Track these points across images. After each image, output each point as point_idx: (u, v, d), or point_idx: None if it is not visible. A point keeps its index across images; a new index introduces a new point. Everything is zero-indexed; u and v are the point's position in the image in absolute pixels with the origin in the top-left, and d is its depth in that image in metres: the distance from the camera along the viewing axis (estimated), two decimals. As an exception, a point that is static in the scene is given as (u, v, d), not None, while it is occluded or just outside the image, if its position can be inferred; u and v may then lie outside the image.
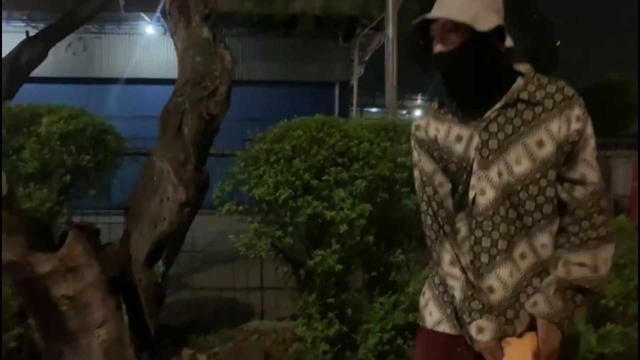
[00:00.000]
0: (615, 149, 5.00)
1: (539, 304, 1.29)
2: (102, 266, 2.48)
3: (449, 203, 1.38)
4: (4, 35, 9.47)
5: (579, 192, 1.26)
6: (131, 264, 2.85)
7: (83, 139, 3.27)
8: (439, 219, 1.37)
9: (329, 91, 12.60)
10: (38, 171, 3.04)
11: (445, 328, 1.38)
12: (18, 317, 2.83)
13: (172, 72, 3.09)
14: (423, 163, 1.40)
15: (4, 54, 4.29)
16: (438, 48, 1.28)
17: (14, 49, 4.19)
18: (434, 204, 1.37)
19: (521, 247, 1.30)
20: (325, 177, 2.74)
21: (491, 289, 1.31)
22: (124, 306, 2.62)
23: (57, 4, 6.52)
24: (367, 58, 13.45)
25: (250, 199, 2.91)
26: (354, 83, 13.54)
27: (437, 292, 1.41)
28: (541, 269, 1.31)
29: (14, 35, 8.80)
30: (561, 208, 1.30)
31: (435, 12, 1.27)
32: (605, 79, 10.99)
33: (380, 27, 10.52)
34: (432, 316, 1.40)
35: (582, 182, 1.26)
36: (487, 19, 1.24)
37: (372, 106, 19.70)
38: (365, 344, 2.96)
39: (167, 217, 2.81)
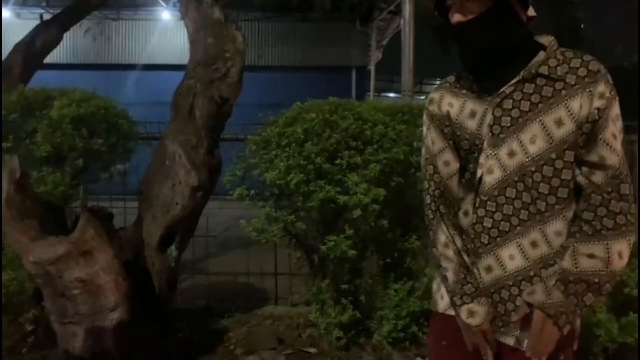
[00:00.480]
0: (641, 134, 4.84)
1: (536, 292, 1.18)
2: (115, 250, 2.47)
3: (453, 183, 1.31)
4: (21, 22, 9.52)
5: (597, 176, 1.15)
6: (144, 248, 2.85)
7: (95, 123, 3.26)
8: (436, 199, 1.31)
9: (345, 76, 12.45)
10: (51, 155, 3.03)
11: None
12: (33, 299, 2.86)
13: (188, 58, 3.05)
14: (430, 139, 1.33)
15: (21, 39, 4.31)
16: (457, 17, 1.19)
17: (29, 34, 4.20)
18: (432, 183, 1.32)
19: (533, 235, 1.20)
20: (338, 161, 2.68)
21: (489, 269, 1.25)
22: (137, 290, 2.62)
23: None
24: (384, 43, 13.24)
25: (261, 184, 2.87)
26: (371, 68, 13.36)
27: None
28: (553, 261, 1.20)
29: (32, 22, 8.91)
30: (578, 194, 1.19)
31: None
32: (630, 62, 10.66)
33: (398, 11, 10.32)
34: (444, 300, 1.35)
35: (600, 165, 1.15)
36: None
37: (390, 91, 19.48)
38: (380, 331, 2.92)
39: (180, 202, 2.79)
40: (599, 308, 2.42)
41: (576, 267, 1.15)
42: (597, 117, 1.14)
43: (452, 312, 1.32)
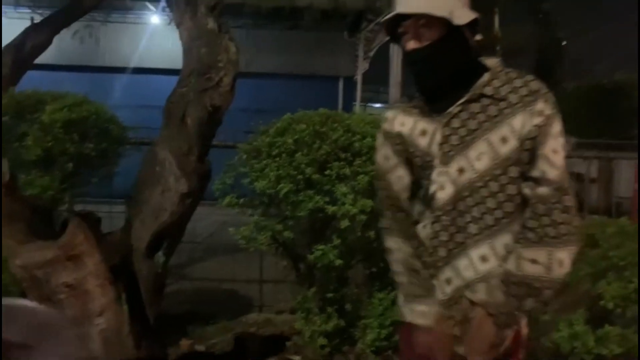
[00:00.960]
0: (620, 151, 4.98)
1: (479, 291, 1.25)
2: (103, 255, 2.48)
3: (405, 196, 1.39)
4: (10, 22, 9.44)
5: (541, 189, 1.21)
6: (132, 254, 2.86)
7: (86, 127, 3.27)
8: (389, 211, 1.40)
9: (333, 85, 12.55)
10: (40, 158, 3.04)
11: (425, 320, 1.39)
12: (18, 303, 2.85)
13: (176, 62, 3.09)
14: (383, 155, 1.41)
15: (9, 41, 4.28)
16: (411, 45, 1.26)
17: (19, 35, 4.18)
18: (385, 196, 1.40)
19: (483, 249, 1.27)
20: (327, 172, 2.74)
21: (449, 281, 1.31)
22: (124, 295, 2.63)
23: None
24: (372, 53, 13.40)
25: (251, 192, 2.91)
26: (358, 78, 13.49)
27: None
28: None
29: (20, 22, 8.80)
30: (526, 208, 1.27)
31: (410, 7, 1.23)
32: (611, 80, 10.92)
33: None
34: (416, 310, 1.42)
35: (542, 180, 1.21)
36: (461, 12, 1.23)
37: (376, 102, 19.66)
38: (363, 339, 2.97)
39: (169, 208, 2.81)
40: (575, 320, 2.50)
41: (519, 271, 1.21)
42: (536, 134, 1.22)
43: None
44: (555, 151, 1.22)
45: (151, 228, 2.83)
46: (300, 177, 2.66)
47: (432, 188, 1.30)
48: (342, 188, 2.71)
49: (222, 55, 2.88)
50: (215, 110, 2.90)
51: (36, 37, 4.19)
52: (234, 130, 3.50)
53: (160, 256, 2.96)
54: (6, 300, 1.01)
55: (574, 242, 1.21)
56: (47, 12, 8.90)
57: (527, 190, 1.24)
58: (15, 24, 8.75)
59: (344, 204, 2.68)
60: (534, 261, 1.20)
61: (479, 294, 1.25)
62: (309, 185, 2.70)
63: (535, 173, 1.22)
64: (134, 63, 11.35)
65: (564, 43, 16.52)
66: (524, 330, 1.33)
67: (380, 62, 10.74)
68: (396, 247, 1.37)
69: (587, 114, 10.32)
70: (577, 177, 8.30)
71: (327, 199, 2.72)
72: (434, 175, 1.29)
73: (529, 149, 1.22)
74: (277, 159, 2.75)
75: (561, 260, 1.20)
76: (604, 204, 6.48)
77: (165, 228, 2.83)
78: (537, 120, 1.21)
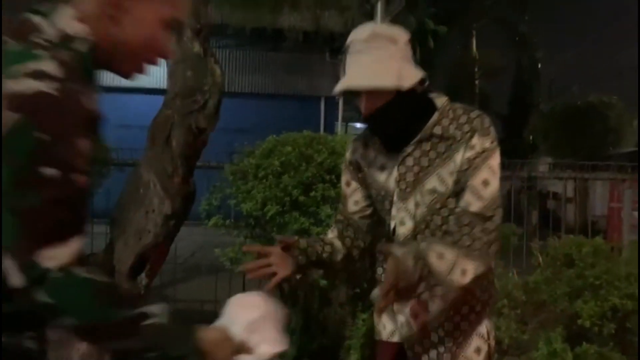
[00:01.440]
0: (594, 171, 5.15)
1: (395, 250, 1.24)
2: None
3: (361, 220, 1.49)
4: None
5: (463, 218, 1.27)
6: (114, 275, 2.84)
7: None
8: (344, 229, 1.50)
9: (315, 105, 12.69)
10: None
11: (398, 338, 1.45)
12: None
13: (157, 82, 3.12)
14: (344, 180, 1.51)
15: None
16: (367, 111, 1.32)
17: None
18: (342, 217, 1.50)
19: None
20: (312, 193, 2.78)
21: (415, 316, 1.39)
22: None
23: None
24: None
25: (236, 213, 2.93)
26: (340, 98, 13.67)
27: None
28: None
29: None
30: None
31: (360, 82, 1.28)
32: (585, 101, 11.24)
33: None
34: (386, 329, 1.48)
35: (466, 210, 1.27)
36: (409, 72, 1.30)
37: (358, 121, 19.87)
38: (347, 360, 2.98)
39: (152, 230, 2.81)
40: (554, 339, 2.57)
41: (426, 256, 1.22)
42: (466, 167, 1.29)
43: (394, 339, 1.45)
44: (485, 183, 1.28)
45: (134, 249, 2.82)
46: (286, 198, 2.70)
47: (393, 223, 1.39)
48: (326, 209, 2.75)
49: (208, 78, 2.92)
50: (201, 133, 2.93)
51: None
52: (217, 150, 3.53)
53: (142, 278, 2.95)
54: None
55: (484, 261, 1.26)
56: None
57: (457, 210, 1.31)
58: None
59: (328, 225, 2.72)
60: (440, 256, 1.22)
61: (395, 250, 1.23)
62: (294, 207, 2.74)
63: (461, 203, 1.29)
64: (113, 82, 11.29)
65: (539, 65, 16.99)
66: (492, 342, 1.40)
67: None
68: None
69: (563, 134, 10.61)
70: (554, 197, 8.49)
71: (312, 220, 2.76)
72: (394, 211, 1.38)
73: (459, 181, 1.30)
74: (264, 180, 2.78)
75: (465, 269, 1.23)
76: (580, 222, 6.65)
77: (148, 250, 2.82)
78: (469, 153, 1.29)
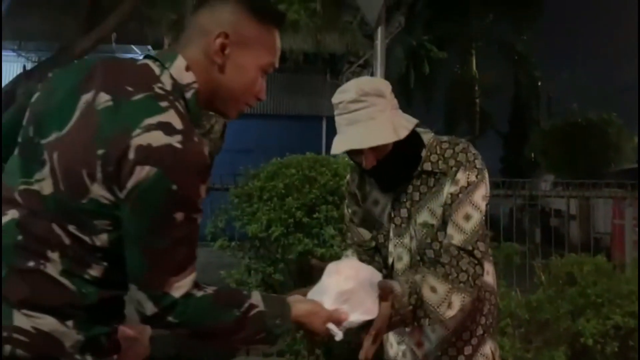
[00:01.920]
0: (595, 189, 5.18)
1: (395, 287, 1.27)
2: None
3: (366, 243, 1.50)
4: (-4, 65, 9.47)
5: (448, 251, 1.30)
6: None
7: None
8: (351, 249, 1.52)
9: (316, 125, 12.79)
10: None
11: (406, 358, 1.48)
12: None
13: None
14: (351, 211, 1.52)
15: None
16: (370, 164, 1.35)
17: (10, 82, 4.26)
18: (350, 241, 1.53)
19: None
20: (316, 215, 2.83)
21: (418, 344, 1.43)
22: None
23: (52, 34, 6.63)
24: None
25: (241, 234, 2.97)
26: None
27: None
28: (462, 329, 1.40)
29: (5, 64, 8.88)
30: None
31: (360, 141, 1.31)
32: (584, 118, 11.30)
33: (367, 65, 10.82)
34: (393, 348, 1.51)
35: (448, 244, 1.31)
36: (402, 122, 1.34)
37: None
38: (352, 381, 2.99)
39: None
40: (557, 357, 2.58)
41: (420, 289, 1.27)
42: (450, 201, 1.33)
43: (401, 359, 1.48)
44: (467, 217, 1.32)
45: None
46: (290, 220, 2.75)
47: (390, 259, 1.42)
48: (330, 230, 2.79)
49: (211, 124, 3.00)
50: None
51: (27, 84, 4.27)
52: (220, 171, 3.59)
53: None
54: None
55: (469, 293, 1.30)
56: (32, 55, 9.04)
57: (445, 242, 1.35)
58: (4, 66, 8.82)
59: (332, 245, 2.76)
60: (433, 289, 1.26)
61: (395, 286, 1.26)
62: (298, 228, 2.78)
63: (446, 237, 1.33)
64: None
65: (538, 83, 17.15)
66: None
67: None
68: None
69: (563, 151, 10.65)
70: (556, 214, 8.50)
71: (315, 241, 2.80)
72: (391, 247, 1.41)
73: (445, 214, 1.34)
74: (269, 202, 2.83)
75: (452, 303, 1.27)
76: (584, 239, 6.65)
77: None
78: (453, 189, 1.33)
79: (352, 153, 1.36)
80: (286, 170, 2.92)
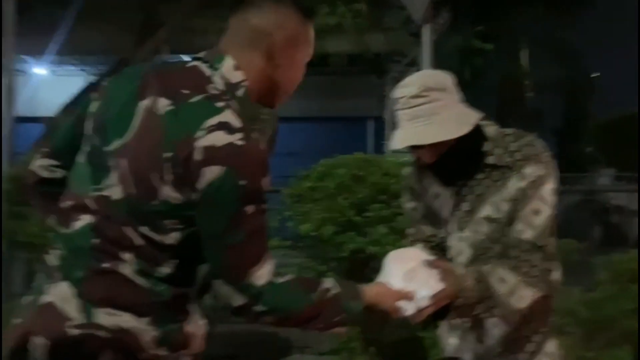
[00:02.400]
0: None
1: (454, 267, 1.29)
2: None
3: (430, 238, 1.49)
4: (57, 79, 9.98)
5: (520, 246, 1.28)
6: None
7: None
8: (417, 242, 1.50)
9: (362, 126, 12.79)
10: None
11: (465, 355, 1.46)
12: None
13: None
14: (411, 207, 1.51)
15: (59, 95, 4.57)
16: (431, 160, 1.34)
17: (77, 95, 4.51)
18: (413, 239, 1.51)
19: None
20: (367, 214, 2.86)
21: (479, 339, 1.41)
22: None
23: (110, 48, 6.96)
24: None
25: (294, 234, 3.04)
26: (387, 118, 13.72)
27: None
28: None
29: (67, 78, 9.38)
30: None
31: (423, 137, 1.29)
32: (631, 112, 10.74)
33: (414, 63, 10.71)
34: (451, 344, 1.49)
35: (518, 239, 1.29)
36: (466, 117, 1.31)
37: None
38: (407, 379, 2.98)
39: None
40: (621, 357, 2.49)
41: (488, 278, 1.25)
42: (519, 196, 1.30)
43: (460, 356, 1.46)
44: (536, 212, 1.29)
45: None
46: (342, 219, 2.79)
47: (450, 253, 1.41)
48: (381, 229, 2.81)
49: (265, 108, 3.09)
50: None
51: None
52: (272, 175, 3.67)
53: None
54: None
55: (541, 288, 1.29)
56: (90, 69, 9.50)
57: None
58: (64, 80, 9.34)
59: (383, 244, 2.78)
60: (502, 280, 1.25)
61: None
62: (350, 227, 2.82)
63: (514, 232, 1.30)
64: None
65: (591, 76, 16.43)
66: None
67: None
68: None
69: (622, 145, 10.19)
70: (618, 210, 8.13)
71: (367, 239, 2.82)
72: (451, 241, 1.40)
73: (511, 210, 1.31)
74: (320, 202, 2.89)
75: (523, 295, 1.26)
76: (646, 236, 6.33)
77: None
78: (522, 183, 1.30)
79: (413, 148, 1.35)
80: (336, 171, 2.96)
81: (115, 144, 1.00)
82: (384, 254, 2.73)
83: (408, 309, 1.16)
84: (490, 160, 1.34)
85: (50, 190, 1.14)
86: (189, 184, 0.93)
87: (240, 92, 1.03)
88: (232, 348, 4.04)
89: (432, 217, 1.45)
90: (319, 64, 11.73)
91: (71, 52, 9.25)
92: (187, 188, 0.94)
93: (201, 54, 1.08)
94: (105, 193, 0.99)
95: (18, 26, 4.73)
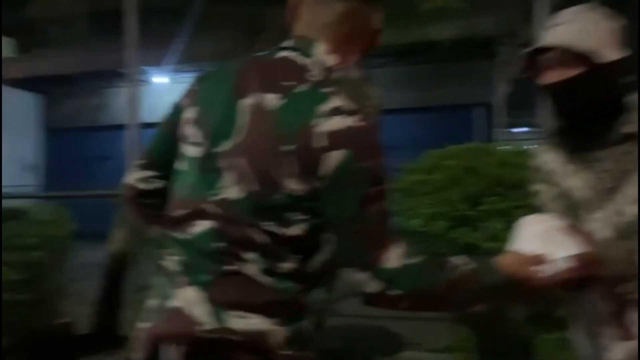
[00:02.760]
0: None
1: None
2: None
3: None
4: (177, 86, 10.82)
5: None
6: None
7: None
8: None
9: (467, 114, 12.26)
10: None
11: None
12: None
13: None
14: (536, 188, 1.40)
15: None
16: (551, 78, 1.21)
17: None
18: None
19: None
20: (481, 207, 2.70)
21: (626, 336, 1.25)
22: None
23: (225, 54, 7.36)
24: (511, 77, 12.84)
25: (401, 230, 2.95)
26: (498, 103, 13.00)
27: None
28: None
29: (186, 85, 10.04)
30: None
31: (552, 40, 1.20)
32: None
33: (526, 45, 10.00)
34: (591, 343, 1.34)
35: None
36: (608, 51, 1.17)
37: (518, 126, 18.59)
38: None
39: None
40: None
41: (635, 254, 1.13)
42: None
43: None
44: None
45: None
46: (454, 214, 2.67)
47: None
48: (497, 224, 2.64)
49: (368, 100, 3.03)
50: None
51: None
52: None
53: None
54: None
55: None
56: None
57: None
58: (184, 87, 10.04)
59: (500, 240, 2.59)
60: None
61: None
62: (463, 222, 2.68)
63: None
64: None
65: None
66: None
67: (520, 85, 10.23)
68: None
69: None
70: None
71: (481, 235, 2.67)
72: (589, 223, 1.26)
73: None
74: (430, 196, 2.78)
75: None
76: None
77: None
78: None
79: (538, 69, 1.24)
80: (446, 162, 2.83)
81: (223, 146, 1.00)
82: (500, 250, 2.57)
83: (545, 271, 1.07)
84: (629, 129, 1.20)
85: (151, 201, 1.17)
86: (312, 173, 0.93)
87: (340, 75, 1.03)
88: (346, 342, 4.07)
89: (565, 199, 1.32)
90: (422, 52, 11.45)
91: (189, 60, 9.93)
92: (311, 177, 0.93)
93: (285, 44, 1.06)
94: (222, 196, 0.99)
95: (139, 38, 5.14)
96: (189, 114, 1.08)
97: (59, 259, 4.14)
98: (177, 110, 1.12)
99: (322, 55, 1.03)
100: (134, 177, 1.18)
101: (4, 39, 15.64)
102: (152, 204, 1.17)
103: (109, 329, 3.67)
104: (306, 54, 1.02)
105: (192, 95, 1.10)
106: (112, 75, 11.59)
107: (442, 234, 2.68)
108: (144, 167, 1.18)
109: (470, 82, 11.97)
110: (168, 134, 1.13)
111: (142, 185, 1.17)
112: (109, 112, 13.36)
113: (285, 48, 1.05)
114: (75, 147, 13.95)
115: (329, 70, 1.02)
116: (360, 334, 4.32)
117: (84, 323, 3.87)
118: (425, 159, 3.01)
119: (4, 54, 15.54)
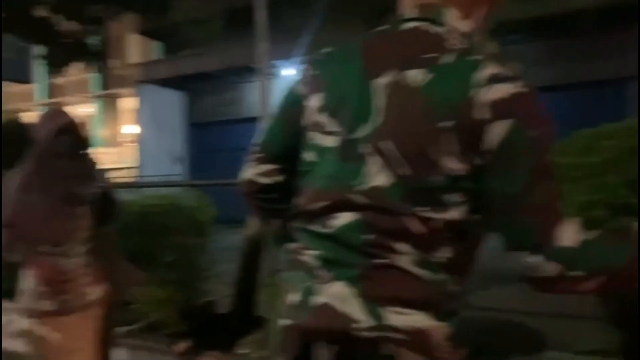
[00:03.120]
0: None
1: None
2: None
3: None
4: (275, 82, 11.17)
5: None
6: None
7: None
8: None
9: (619, 89, 10.92)
10: None
11: None
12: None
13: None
14: None
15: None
16: None
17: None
18: None
19: None
20: (646, 194, 2.34)
21: None
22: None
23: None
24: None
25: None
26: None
27: None
28: None
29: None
30: None
31: None
32: None
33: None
34: None
35: None
36: None
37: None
38: None
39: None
40: None
41: None
42: None
43: None
44: None
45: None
46: (614, 201, 2.35)
47: None
48: (669, 213, 2.26)
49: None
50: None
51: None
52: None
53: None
54: None
55: None
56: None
57: None
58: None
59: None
60: None
61: None
62: (625, 211, 2.35)
63: None
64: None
65: None
66: None
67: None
68: None
69: None
70: None
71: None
72: None
73: None
74: (583, 181, 2.48)
75: None
76: None
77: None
78: None
79: None
80: (602, 143, 2.50)
81: (362, 131, 0.94)
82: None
83: None
84: None
85: (272, 196, 1.13)
86: (474, 149, 0.86)
87: (478, 40, 0.94)
88: (480, 336, 3.86)
89: None
90: (560, 24, 10.43)
91: (316, 51, 10.15)
92: (472, 154, 0.86)
93: (407, 15, 0.97)
94: (372, 184, 0.92)
95: (269, 33, 5.35)
96: (314, 101, 1.02)
97: (203, 242, 4.49)
98: (295, 98, 1.07)
99: (456, 21, 0.95)
100: (253, 171, 1.14)
101: (152, 43, 17.38)
102: (272, 198, 1.14)
103: (245, 309, 3.89)
104: (437, 22, 0.94)
105: (313, 81, 1.05)
106: (246, 71, 12.32)
107: (600, 225, 2.37)
108: (262, 160, 1.14)
109: (620, 54, 10.64)
110: (287, 125, 1.09)
111: (262, 180, 1.13)
112: (244, 105, 14.24)
113: (409, 19, 0.96)
114: (215, 140, 15.10)
115: (467, 35, 0.94)
116: (496, 329, 4.08)
117: (224, 303, 4.15)
118: (577, 140, 2.69)
119: (153, 57, 17.26)
